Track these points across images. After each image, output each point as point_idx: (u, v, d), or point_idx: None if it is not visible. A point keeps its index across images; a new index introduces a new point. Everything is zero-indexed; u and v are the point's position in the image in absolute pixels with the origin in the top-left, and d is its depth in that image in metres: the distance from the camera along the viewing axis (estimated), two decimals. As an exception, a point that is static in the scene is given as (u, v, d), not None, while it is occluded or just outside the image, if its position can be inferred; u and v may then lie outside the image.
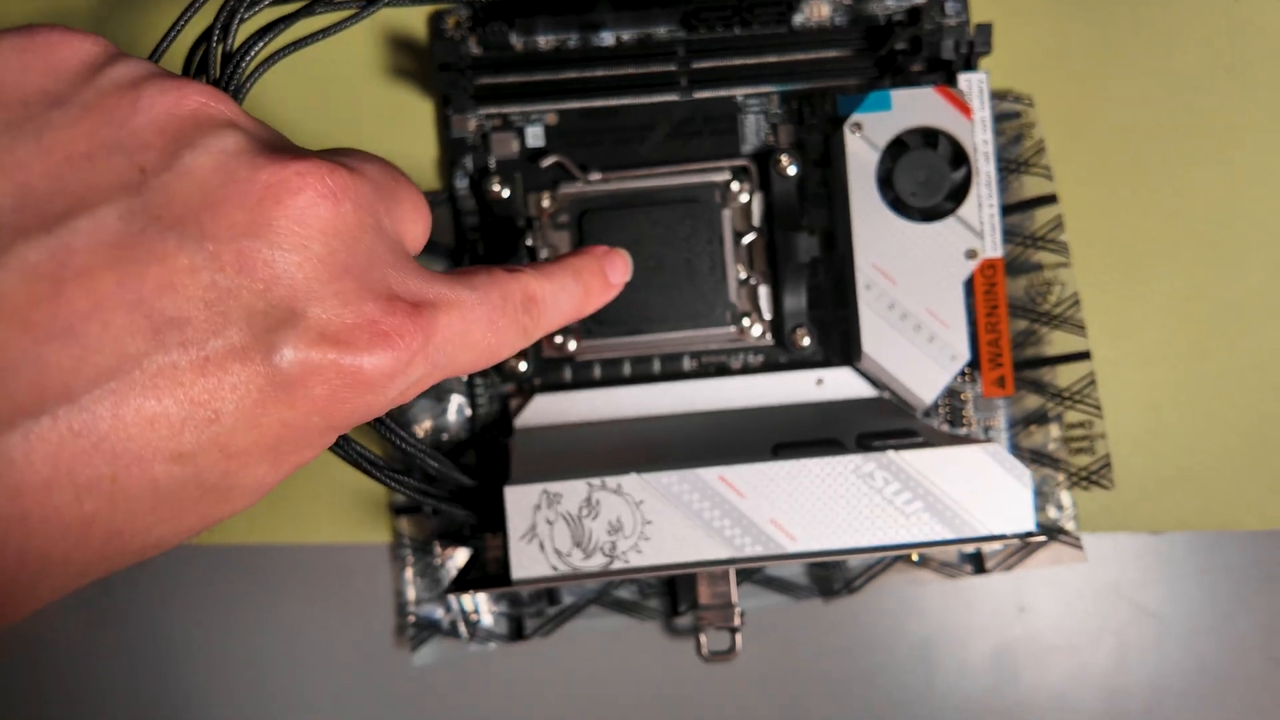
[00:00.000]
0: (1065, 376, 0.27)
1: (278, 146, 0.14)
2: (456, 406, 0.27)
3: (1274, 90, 0.28)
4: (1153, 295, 0.28)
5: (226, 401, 0.12)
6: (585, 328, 0.27)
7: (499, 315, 0.16)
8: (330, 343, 0.13)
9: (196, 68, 0.16)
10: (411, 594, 0.27)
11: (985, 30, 0.26)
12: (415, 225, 0.15)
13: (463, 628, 0.27)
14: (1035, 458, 0.27)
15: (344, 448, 0.20)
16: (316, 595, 0.28)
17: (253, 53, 0.16)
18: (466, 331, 0.15)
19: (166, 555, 0.28)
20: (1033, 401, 0.27)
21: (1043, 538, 0.23)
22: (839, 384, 0.26)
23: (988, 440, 0.23)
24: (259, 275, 0.13)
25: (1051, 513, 0.28)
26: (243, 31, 0.16)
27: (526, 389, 0.27)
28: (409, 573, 0.27)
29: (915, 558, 0.27)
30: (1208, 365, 0.28)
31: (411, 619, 0.27)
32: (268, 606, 0.28)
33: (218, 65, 0.16)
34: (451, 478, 0.23)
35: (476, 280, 0.16)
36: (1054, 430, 0.27)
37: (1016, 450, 0.28)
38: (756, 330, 0.27)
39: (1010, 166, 0.28)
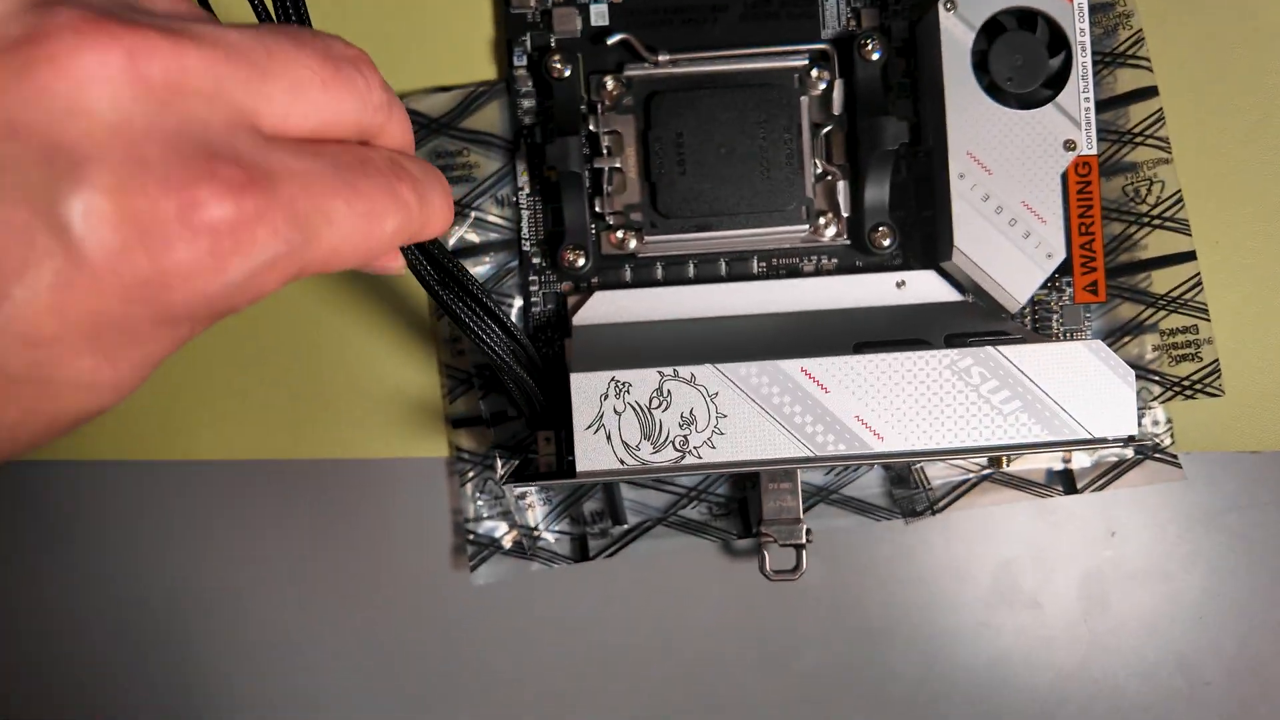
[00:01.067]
0: (1165, 281, 0.26)
1: (92, 4, 0.12)
2: (515, 310, 0.26)
3: None
4: (1256, 197, 0.26)
5: (11, 282, 0.11)
6: (649, 221, 0.25)
7: (360, 179, 0.14)
8: (126, 216, 0.11)
9: None
10: (470, 510, 0.26)
11: (1091, -93, 0.24)
12: (291, 103, 0.14)
13: (526, 545, 0.25)
14: (1133, 369, 0.26)
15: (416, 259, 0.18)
16: (372, 512, 0.26)
17: None
18: (323, 200, 0.13)
19: (211, 471, 0.26)
20: (1127, 311, 0.26)
21: (1146, 442, 0.22)
22: (922, 287, 0.25)
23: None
24: (34, 143, 0.11)
25: (1148, 427, 0.26)
26: None
27: (584, 287, 0.25)
28: (468, 488, 0.26)
29: (1007, 463, 0.25)
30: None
31: (470, 537, 0.26)
32: (322, 524, 0.26)
33: None
34: (514, 337, 0.21)
35: (326, 148, 0.14)
36: (1150, 341, 0.26)
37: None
38: (832, 230, 0.25)
39: (1105, 60, 0.26)
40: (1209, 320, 0.26)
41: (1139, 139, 0.26)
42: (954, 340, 0.22)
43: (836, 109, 0.25)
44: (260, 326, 0.26)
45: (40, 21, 0.11)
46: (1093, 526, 0.27)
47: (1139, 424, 0.26)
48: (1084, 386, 0.21)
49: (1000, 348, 0.21)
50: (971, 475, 0.26)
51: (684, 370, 0.21)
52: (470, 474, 0.26)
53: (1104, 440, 0.21)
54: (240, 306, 0.13)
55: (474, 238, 0.25)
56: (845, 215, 0.25)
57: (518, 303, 0.26)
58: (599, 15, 0.25)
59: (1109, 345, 0.26)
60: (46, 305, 0.11)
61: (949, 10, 0.23)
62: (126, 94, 0.12)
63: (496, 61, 0.26)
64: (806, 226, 0.25)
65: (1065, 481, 0.26)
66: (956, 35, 0.23)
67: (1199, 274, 0.25)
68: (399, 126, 0.16)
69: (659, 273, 0.26)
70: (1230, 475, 0.27)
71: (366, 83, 0.15)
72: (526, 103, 0.25)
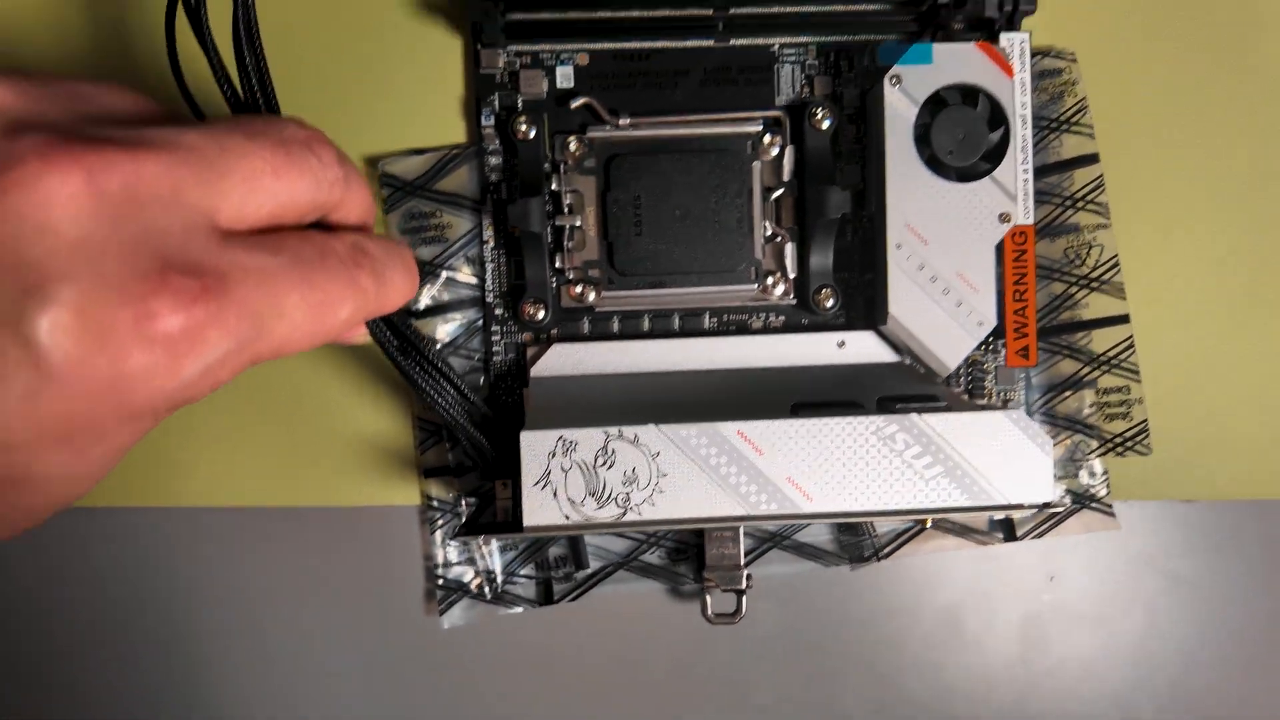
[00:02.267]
0: (1102, 341, 0.27)
1: (57, 128, 0.13)
2: (478, 358, 0.27)
3: None
4: (1192, 257, 0.27)
5: None
6: (606, 278, 0.26)
7: (317, 271, 0.15)
8: (88, 328, 0.12)
9: None
10: (440, 556, 0.27)
11: (1033, -13, 0.25)
12: (247, 195, 0.15)
13: (488, 589, 0.27)
14: (1069, 424, 0.27)
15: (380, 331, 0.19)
16: (346, 558, 0.28)
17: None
18: (275, 297, 0.14)
19: (190, 520, 0.28)
20: (1067, 367, 0.27)
21: (1061, 507, 0.23)
22: (861, 347, 0.26)
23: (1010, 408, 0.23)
24: (3, 263, 0.12)
25: (1084, 479, 0.27)
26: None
27: (544, 339, 0.27)
28: (438, 535, 0.27)
29: (929, 523, 0.26)
30: (1247, 329, 0.27)
31: (440, 581, 0.27)
32: (298, 570, 0.28)
33: None
34: (469, 398, 0.23)
35: (286, 242, 0.15)
36: (1088, 396, 0.27)
37: (1050, 416, 0.27)
38: (780, 289, 0.27)
39: (1050, 125, 0.27)
40: (1139, 382, 0.27)
41: (1080, 203, 0.27)
42: (885, 403, 0.24)
43: (787, 175, 0.26)
44: (243, 381, 0.28)
45: (7, 148, 0.13)
46: (1033, 572, 0.29)
47: (1078, 474, 0.27)
48: (1003, 454, 0.22)
49: (925, 415, 0.22)
50: (915, 524, 0.27)
51: (628, 430, 0.22)
52: (440, 521, 0.27)
53: (1020, 505, 0.22)
54: (199, 396, 0.15)
55: (445, 296, 0.27)
56: (792, 276, 0.26)
57: (481, 353, 0.27)
58: (564, 77, 0.27)
59: (1053, 398, 0.27)
60: (18, 413, 0.12)
61: (894, 85, 0.24)
62: (88, 210, 0.13)
63: (467, 124, 0.27)
64: (755, 286, 0.26)
65: (1006, 529, 0.27)
66: (900, 110, 0.24)
67: (1131, 336, 0.27)
68: (357, 199, 0.17)
69: (616, 326, 0.27)
70: (1165, 523, 0.28)
71: (320, 162, 0.16)
72: (494, 160, 0.27)
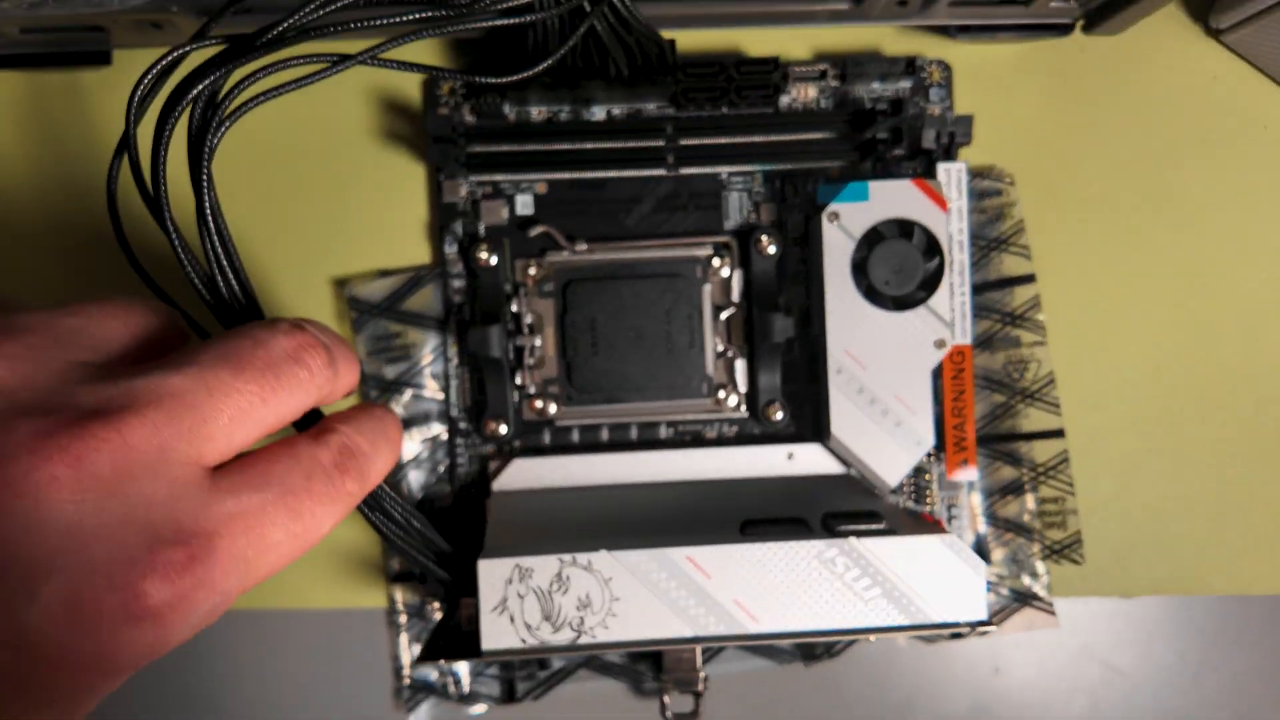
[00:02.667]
0: (1041, 451, 0.28)
1: (45, 407, 0.13)
2: (443, 469, 0.28)
3: (1241, 162, 0.29)
4: (1126, 366, 0.29)
5: None
6: (566, 394, 0.27)
7: (303, 499, 0.15)
8: (78, 618, 0.13)
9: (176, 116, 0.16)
10: (406, 658, 0.28)
11: (965, 122, 0.27)
12: (235, 431, 0.15)
13: (453, 689, 0.28)
14: (1011, 527, 0.28)
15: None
16: (316, 659, 0.29)
17: (230, 98, 0.16)
18: (262, 538, 0.15)
19: None
20: (1010, 473, 0.28)
21: (993, 626, 0.24)
22: (809, 459, 0.27)
23: (946, 531, 0.24)
24: None
25: (1026, 579, 0.28)
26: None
27: (506, 450, 0.28)
28: (404, 638, 0.28)
29: (872, 639, 0.28)
30: (1177, 434, 0.29)
31: (407, 681, 0.28)
32: (269, 671, 0.29)
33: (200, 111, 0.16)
34: (433, 540, 0.24)
35: (273, 471, 0.15)
36: (1030, 501, 0.28)
37: (993, 519, 0.28)
38: (732, 401, 0.28)
39: (990, 244, 0.28)
40: (1074, 494, 0.28)
41: (1019, 321, 0.28)
42: (829, 521, 0.25)
43: (736, 296, 0.28)
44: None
45: None
46: (979, 665, 0.30)
47: (1020, 575, 0.28)
48: (938, 575, 0.23)
49: (864, 540, 0.23)
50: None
51: (582, 557, 0.23)
52: (405, 623, 0.28)
53: (955, 624, 0.24)
54: (184, 640, 0.15)
55: (411, 411, 0.28)
56: (743, 390, 0.28)
57: (445, 464, 0.28)
58: (524, 205, 0.28)
59: (995, 502, 0.28)
60: (12, 692, 0.13)
61: (832, 222, 0.26)
62: (76, 499, 0.13)
63: (432, 246, 0.28)
64: (707, 400, 0.28)
65: (951, 626, 0.29)
66: (838, 244, 0.26)
67: (1066, 451, 0.28)
68: (345, 380, 0.17)
69: (576, 437, 0.28)
70: (1102, 618, 0.29)
71: (310, 373, 0.16)
72: (457, 283, 0.28)
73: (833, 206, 0.26)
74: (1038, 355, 0.28)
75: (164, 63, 0.16)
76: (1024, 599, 0.28)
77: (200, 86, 0.16)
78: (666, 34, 0.26)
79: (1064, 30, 0.28)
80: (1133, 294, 0.29)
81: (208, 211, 0.17)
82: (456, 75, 0.22)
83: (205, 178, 0.16)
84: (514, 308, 0.27)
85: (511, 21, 0.21)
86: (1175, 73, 0.29)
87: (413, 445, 0.28)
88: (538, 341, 0.27)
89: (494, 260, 0.27)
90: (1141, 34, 0.28)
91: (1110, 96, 0.29)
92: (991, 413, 0.28)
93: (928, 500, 0.28)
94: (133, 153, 0.17)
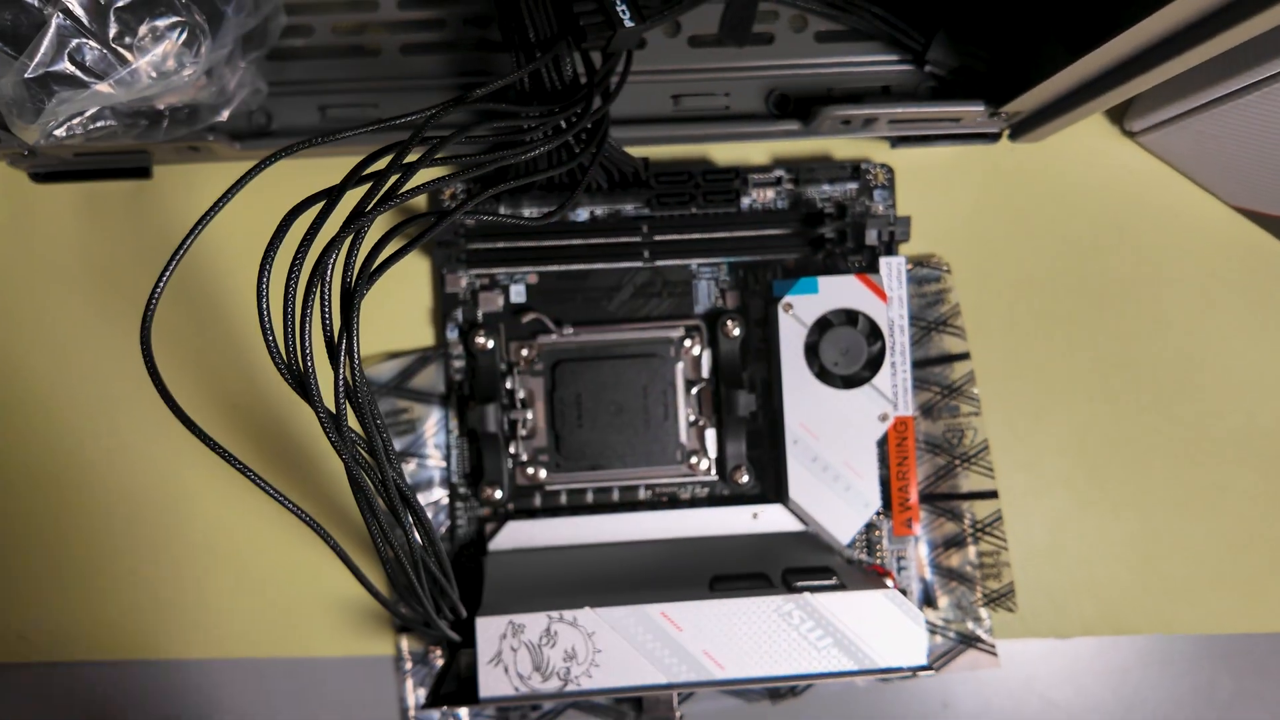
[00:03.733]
0: (979, 509, 0.32)
1: None
2: (444, 530, 0.31)
3: (1157, 247, 0.33)
4: (1055, 430, 0.32)
5: None
6: (554, 462, 0.31)
7: None
8: None
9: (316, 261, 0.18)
10: (411, 702, 0.31)
11: (905, 222, 0.30)
12: None
13: None
14: (954, 576, 0.32)
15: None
16: (329, 704, 0.32)
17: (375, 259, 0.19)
18: None
19: (177, 671, 0.32)
20: (951, 528, 0.32)
21: (933, 669, 0.27)
22: (772, 518, 0.31)
23: (895, 582, 0.28)
24: None
25: (970, 624, 0.32)
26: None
27: (501, 513, 0.31)
28: (409, 684, 0.31)
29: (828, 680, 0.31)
30: (1103, 489, 0.32)
31: None
32: (284, 715, 0.32)
33: (355, 271, 0.18)
34: (453, 603, 0.27)
35: None
36: (971, 553, 0.32)
37: (938, 568, 0.32)
38: (703, 466, 0.31)
39: (930, 325, 0.32)
40: (1007, 548, 0.31)
41: (957, 393, 0.32)
42: (789, 576, 0.28)
43: (705, 373, 0.31)
44: (239, 540, 0.32)
45: None
46: (930, 700, 0.33)
47: (965, 620, 0.32)
48: (883, 626, 0.27)
49: (817, 595, 0.27)
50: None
51: (568, 614, 0.27)
52: (410, 669, 0.31)
53: (899, 669, 0.27)
54: None
55: (415, 479, 0.31)
56: (713, 456, 0.31)
57: (447, 524, 0.31)
58: (518, 294, 0.31)
59: (940, 554, 0.32)
60: None
61: (786, 312, 0.29)
62: None
63: (436, 330, 0.32)
64: (682, 465, 0.31)
65: (902, 667, 0.32)
66: (792, 331, 0.29)
67: (999, 510, 0.31)
68: None
69: (564, 500, 0.31)
70: (1040, 656, 0.33)
71: None
72: (458, 363, 0.31)
73: (787, 298, 0.29)
74: (974, 424, 0.32)
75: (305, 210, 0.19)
76: (969, 641, 0.32)
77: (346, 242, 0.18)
78: (642, 150, 0.30)
79: (992, 139, 0.31)
80: (1060, 368, 0.33)
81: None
82: (515, 217, 0.25)
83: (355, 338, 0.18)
84: (508, 385, 0.31)
85: (550, 173, 0.24)
86: (1095, 170, 0.33)
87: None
88: (529, 415, 0.31)
89: (490, 344, 0.31)
90: (1063, 138, 0.32)
91: (1036, 193, 0.33)
92: (935, 473, 0.32)
93: (878, 553, 0.31)
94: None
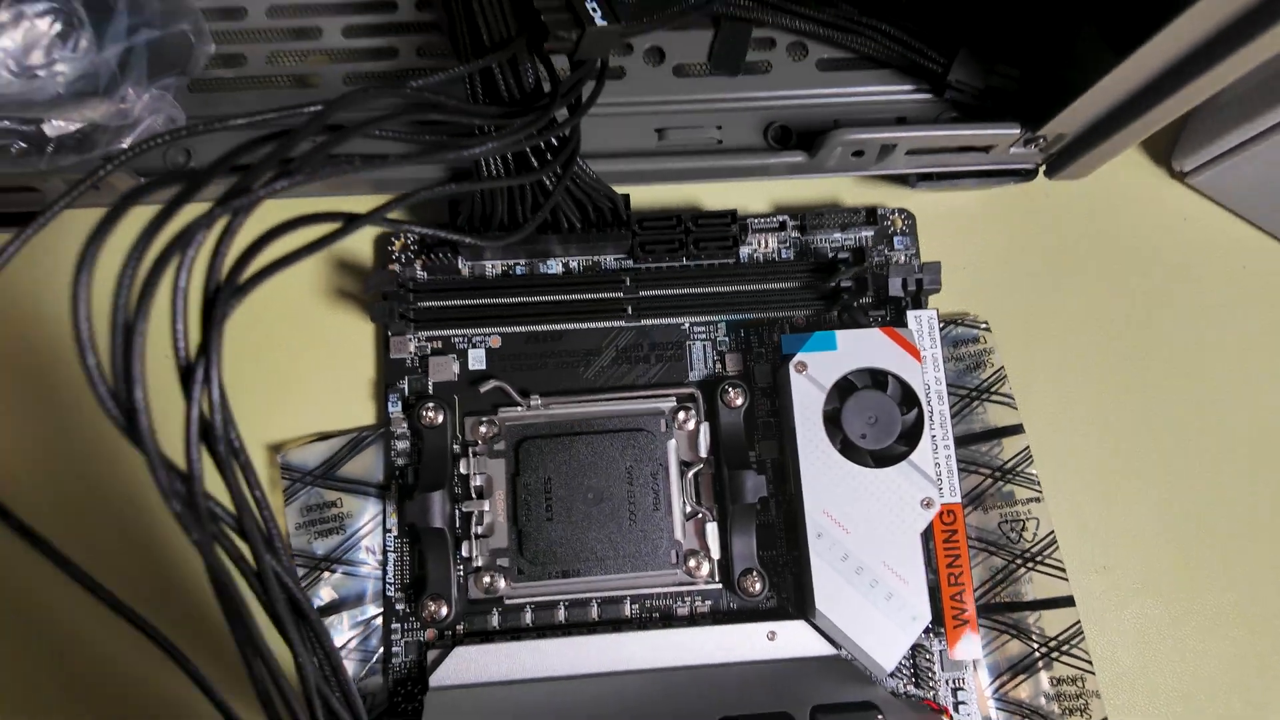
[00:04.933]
0: (1051, 622, 0.25)
1: None
2: (376, 658, 0.25)
3: (1223, 301, 0.28)
4: (1134, 521, 0.26)
5: None
6: (517, 567, 0.25)
7: None
8: None
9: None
10: None
11: (934, 268, 0.26)
12: None
13: None
14: (1025, 712, 0.24)
15: None
16: None
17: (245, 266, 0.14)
18: None
19: None
20: (1017, 648, 0.25)
21: None
22: (793, 639, 0.24)
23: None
24: None
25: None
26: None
27: (449, 635, 0.25)
28: None
29: None
30: (1200, 596, 0.26)
31: None
32: None
33: (225, 270, 0.13)
34: None
35: None
36: (1044, 680, 0.25)
37: (1004, 703, 0.25)
38: (704, 570, 0.25)
39: (971, 394, 0.27)
40: (1093, 672, 0.25)
41: (1011, 475, 0.26)
42: (819, 715, 0.21)
43: (704, 450, 0.25)
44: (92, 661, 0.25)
45: None
46: None
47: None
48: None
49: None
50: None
51: (524, 772, 0.20)
52: None
53: None
54: None
55: (342, 593, 0.25)
56: (716, 557, 0.25)
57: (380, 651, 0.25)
58: (476, 360, 0.26)
59: (1005, 683, 0.25)
60: None
61: (800, 373, 0.24)
62: None
63: (377, 406, 0.27)
64: (677, 570, 0.25)
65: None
66: (808, 395, 0.24)
67: (1078, 622, 0.25)
68: None
69: (528, 617, 0.25)
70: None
71: None
72: (401, 444, 0.26)
73: (800, 356, 0.24)
74: (1035, 513, 0.26)
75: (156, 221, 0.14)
76: (1053, 798, 0.24)
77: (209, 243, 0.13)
78: (622, 189, 0.25)
79: (1027, 176, 0.27)
80: (1129, 441, 0.27)
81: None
82: (457, 234, 0.21)
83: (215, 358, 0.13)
84: (461, 469, 0.25)
85: (506, 184, 0.20)
86: (1145, 215, 0.29)
87: (343, 632, 0.25)
88: (486, 507, 0.25)
89: (440, 418, 0.25)
90: (1106, 178, 0.28)
91: (1080, 240, 0.29)
92: (991, 579, 0.25)
93: (930, 684, 0.25)
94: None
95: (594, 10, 0.20)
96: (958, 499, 0.24)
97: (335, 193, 0.26)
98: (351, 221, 0.15)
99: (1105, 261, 0.28)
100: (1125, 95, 0.22)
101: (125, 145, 0.23)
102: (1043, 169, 0.27)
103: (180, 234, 0.12)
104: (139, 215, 0.13)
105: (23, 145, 0.21)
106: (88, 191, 0.20)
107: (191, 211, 0.13)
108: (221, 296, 0.13)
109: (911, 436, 0.24)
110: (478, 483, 0.25)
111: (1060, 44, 0.23)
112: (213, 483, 0.14)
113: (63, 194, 0.16)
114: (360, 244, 0.27)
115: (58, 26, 0.18)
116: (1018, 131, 0.24)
